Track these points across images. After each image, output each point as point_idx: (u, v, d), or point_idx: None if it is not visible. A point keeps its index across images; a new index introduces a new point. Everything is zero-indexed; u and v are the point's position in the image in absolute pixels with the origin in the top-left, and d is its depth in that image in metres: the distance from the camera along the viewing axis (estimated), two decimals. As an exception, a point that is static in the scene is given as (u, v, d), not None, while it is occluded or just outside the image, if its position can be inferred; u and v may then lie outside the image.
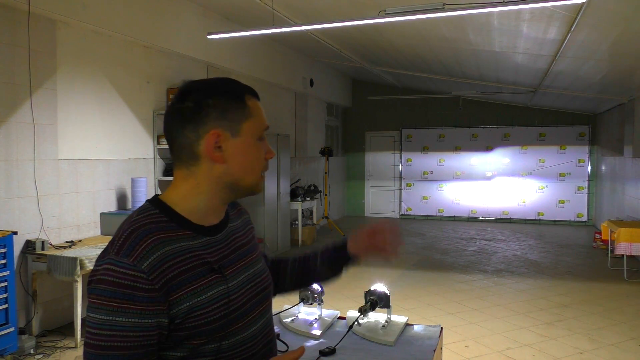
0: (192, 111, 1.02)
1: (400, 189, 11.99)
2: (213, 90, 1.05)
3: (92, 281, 0.93)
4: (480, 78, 9.12)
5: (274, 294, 1.38)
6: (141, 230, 0.97)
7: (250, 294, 1.10)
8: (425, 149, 11.75)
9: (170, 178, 5.74)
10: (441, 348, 2.01)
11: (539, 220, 10.96)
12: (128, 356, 0.90)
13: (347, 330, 1.94)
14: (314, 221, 9.26)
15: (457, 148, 11.50)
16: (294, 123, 9.48)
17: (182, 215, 1.03)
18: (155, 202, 1.05)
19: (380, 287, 2.04)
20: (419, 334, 1.97)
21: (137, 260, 0.92)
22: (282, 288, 1.41)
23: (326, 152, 9.95)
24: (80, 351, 3.99)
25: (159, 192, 5.80)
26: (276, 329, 1.93)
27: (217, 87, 1.06)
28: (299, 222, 8.44)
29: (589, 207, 10.66)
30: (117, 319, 0.90)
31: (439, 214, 11.71)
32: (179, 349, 0.97)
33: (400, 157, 11.97)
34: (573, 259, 7.44)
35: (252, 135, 1.06)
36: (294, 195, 8.55)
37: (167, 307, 0.93)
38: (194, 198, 1.05)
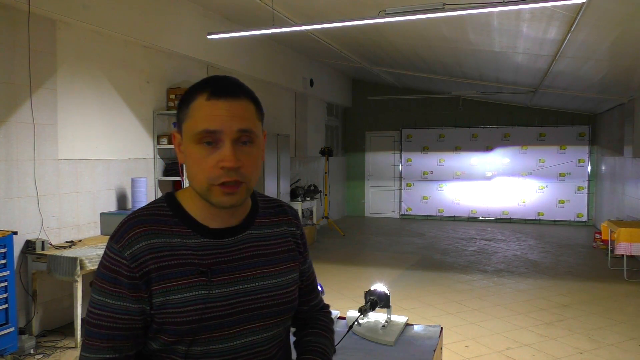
0: None
1: (400, 189, 11.99)
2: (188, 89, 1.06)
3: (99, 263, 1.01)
4: (480, 78, 9.12)
5: None
6: (135, 220, 1.00)
7: (241, 307, 1.02)
8: (425, 149, 11.75)
9: (170, 178, 5.77)
10: (441, 348, 2.01)
11: (539, 220, 10.96)
12: (113, 336, 0.96)
13: (347, 330, 1.94)
14: (314, 221, 9.26)
15: (457, 148, 11.50)
16: (294, 123, 9.48)
17: (188, 212, 1.03)
18: (168, 196, 1.07)
19: (380, 287, 2.04)
20: (419, 334, 1.97)
21: (122, 247, 0.96)
22: None
23: (326, 152, 9.95)
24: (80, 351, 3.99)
25: (160, 193, 5.81)
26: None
27: (193, 86, 1.04)
28: (299, 222, 8.42)
29: (589, 207, 10.66)
30: (106, 300, 0.96)
31: (439, 214, 11.71)
32: (155, 341, 0.99)
33: (400, 157, 11.97)
34: (573, 259, 7.44)
35: (188, 138, 0.99)
36: (294, 195, 8.55)
37: (148, 296, 0.96)
38: (193, 197, 1.05)
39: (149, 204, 1.06)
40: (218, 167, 0.96)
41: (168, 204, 1.04)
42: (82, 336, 4.10)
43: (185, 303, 0.96)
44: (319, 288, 2.10)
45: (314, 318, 1.28)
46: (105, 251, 0.99)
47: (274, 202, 1.19)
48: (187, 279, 0.97)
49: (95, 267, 3.97)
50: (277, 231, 1.13)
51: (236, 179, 0.96)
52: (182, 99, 1.03)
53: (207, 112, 0.96)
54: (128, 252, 0.95)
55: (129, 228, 0.98)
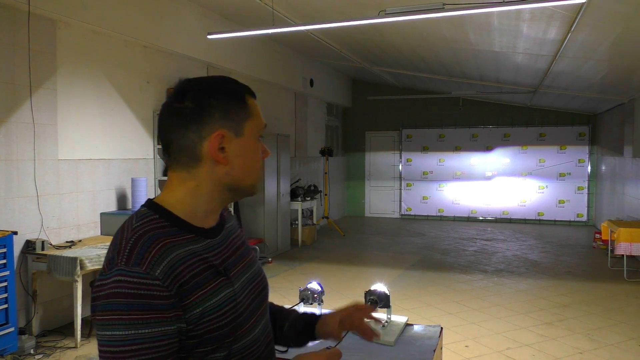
0: (193, 111, 0.98)
1: (400, 189, 11.99)
2: (214, 89, 1.02)
3: (101, 296, 0.88)
4: (480, 78, 9.12)
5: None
6: (147, 237, 0.92)
7: (252, 295, 1.07)
8: (425, 149, 11.75)
9: (170, 178, 5.75)
10: (441, 348, 2.01)
11: (539, 220, 10.96)
12: None
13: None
14: (314, 221, 9.26)
15: (457, 148, 11.50)
16: (294, 123, 9.48)
17: (182, 218, 0.99)
18: (152, 206, 1.00)
19: (380, 287, 2.04)
20: (419, 334, 1.97)
21: (149, 268, 0.88)
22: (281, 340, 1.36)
23: (326, 152, 9.95)
24: (80, 351, 3.99)
25: (160, 192, 5.80)
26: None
27: (217, 85, 1.03)
28: (299, 222, 8.44)
29: (589, 207, 10.66)
30: (140, 331, 0.86)
31: (439, 214, 11.71)
32: (190, 357, 0.94)
33: (400, 157, 11.97)
34: (573, 259, 7.44)
35: (253, 135, 1.03)
36: (294, 195, 8.55)
37: (182, 312, 0.90)
38: (193, 201, 1.01)
39: (141, 221, 0.96)
40: (263, 157, 1.09)
41: (160, 214, 0.98)
42: (81, 337, 4.10)
43: (220, 306, 0.96)
44: (319, 288, 2.11)
45: None
46: (117, 278, 0.87)
47: None
48: (214, 282, 0.97)
49: (96, 267, 3.97)
50: (234, 223, 1.19)
51: None
52: (231, 98, 1.02)
53: (260, 110, 1.07)
54: (159, 271, 0.88)
55: (147, 247, 0.90)
